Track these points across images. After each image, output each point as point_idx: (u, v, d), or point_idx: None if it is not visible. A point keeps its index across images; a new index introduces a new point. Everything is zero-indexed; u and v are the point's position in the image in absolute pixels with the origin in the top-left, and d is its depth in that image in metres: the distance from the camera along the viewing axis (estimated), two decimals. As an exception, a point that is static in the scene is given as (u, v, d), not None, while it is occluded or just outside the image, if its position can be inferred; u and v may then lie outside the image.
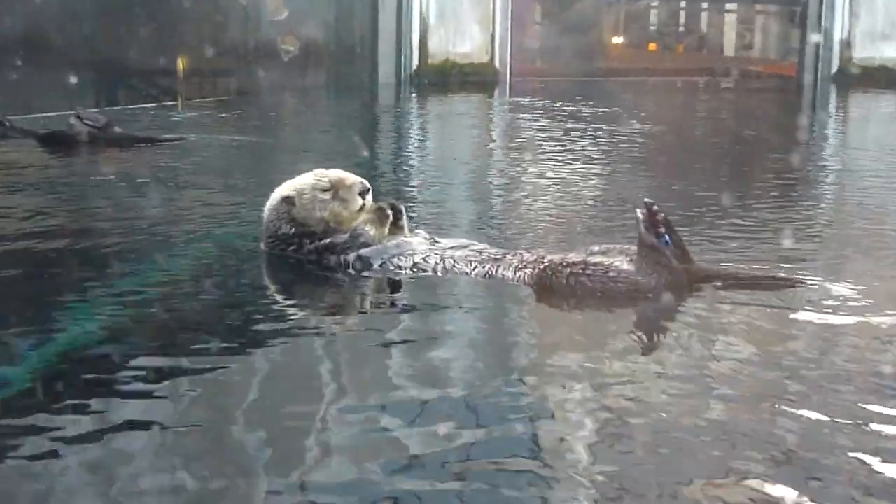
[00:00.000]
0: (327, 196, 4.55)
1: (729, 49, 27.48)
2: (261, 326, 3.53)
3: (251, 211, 5.46)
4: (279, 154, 9.13)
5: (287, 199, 4.60)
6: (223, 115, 13.59)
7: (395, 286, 4.23)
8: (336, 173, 4.62)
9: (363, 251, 4.46)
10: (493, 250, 4.39)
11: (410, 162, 8.82)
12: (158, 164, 8.29)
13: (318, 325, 3.62)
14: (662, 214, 3.89)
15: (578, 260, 4.00)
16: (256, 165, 8.22)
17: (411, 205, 5.51)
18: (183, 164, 7.87)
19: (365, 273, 4.37)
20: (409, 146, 10.39)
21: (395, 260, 4.39)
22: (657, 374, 2.90)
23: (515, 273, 4.12)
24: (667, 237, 3.84)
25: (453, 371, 2.97)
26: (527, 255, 4.27)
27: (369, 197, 4.56)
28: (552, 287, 3.96)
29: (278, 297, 4.17)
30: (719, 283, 3.89)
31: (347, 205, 4.56)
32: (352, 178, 4.59)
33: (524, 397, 2.74)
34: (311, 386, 2.89)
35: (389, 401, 2.74)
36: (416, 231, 4.63)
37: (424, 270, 4.31)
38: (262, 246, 4.71)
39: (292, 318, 3.74)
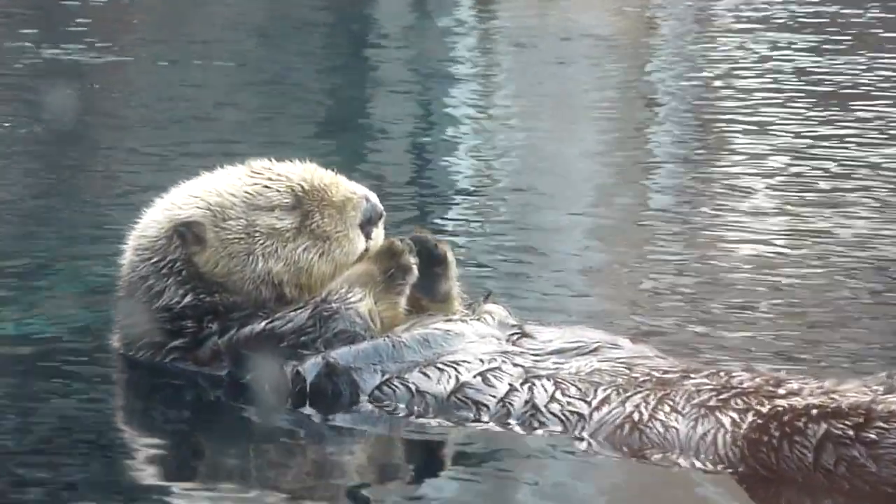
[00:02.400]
0: (286, 223, 4.61)
1: None
2: None
3: (71, 264, 5.47)
4: (131, 127, 9.18)
5: (186, 229, 4.62)
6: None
7: (408, 455, 4.24)
8: (308, 172, 4.71)
9: (337, 353, 4.37)
10: (654, 359, 4.34)
11: (460, 165, 8.57)
12: None
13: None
14: None
15: (854, 404, 3.88)
16: (76, 150, 8.30)
17: (466, 250, 5.65)
18: None
19: (339, 412, 4.34)
20: (459, 125, 9.78)
21: (412, 377, 4.31)
22: None
23: (699, 423, 4.02)
24: None
25: None
26: (737, 378, 4.15)
27: (379, 232, 4.68)
28: (780, 466, 3.87)
29: (140, 476, 4.09)
30: None
31: (332, 246, 4.63)
32: (343, 185, 4.69)
33: None
34: None
35: None
36: (482, 307, 4.61)
37: (480, 410, 4.21)
38: (114, 342, 4.75)
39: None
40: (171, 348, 4.60)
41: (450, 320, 4.49)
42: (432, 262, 4.61)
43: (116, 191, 6.66)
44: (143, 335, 4.67)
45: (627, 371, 4.25)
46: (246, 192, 4.64)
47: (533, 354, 4.36)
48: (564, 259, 6.30)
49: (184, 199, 4.69)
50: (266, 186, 4.63)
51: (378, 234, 4.64)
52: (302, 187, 4.61)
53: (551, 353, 4.37)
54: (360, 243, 4.61)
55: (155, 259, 4.64)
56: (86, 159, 8.32)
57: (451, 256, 4.67)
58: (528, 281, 5.87)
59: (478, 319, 4.50)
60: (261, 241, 4.59)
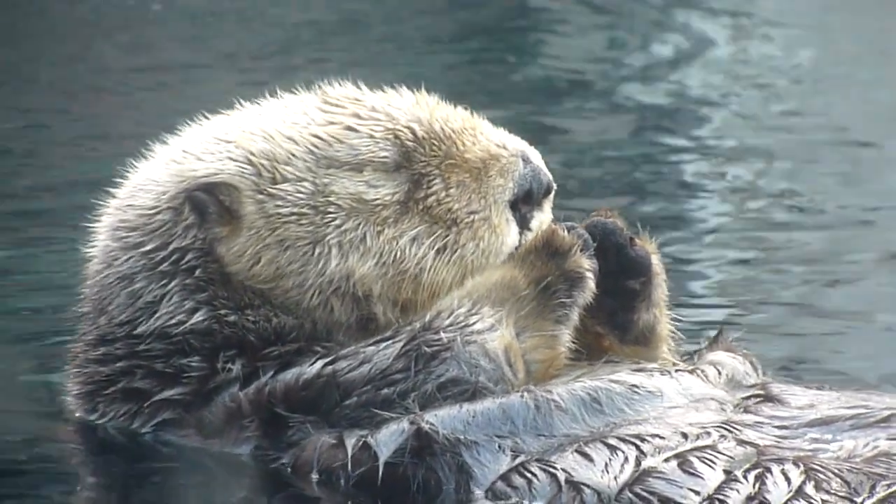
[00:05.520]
0: (383, 194, 3.77)
1: None
2: None
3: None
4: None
5: (208, 196, 3.76)
6: None
7: None
8: (425, 109, 3.82)
9: (436, 416, 3.50)
10: None
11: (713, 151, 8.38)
12: None
13: None
14: None
15: None
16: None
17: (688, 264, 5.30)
18: None
19: None
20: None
21: (564, 460, 3.44)
22: None
23: None
24: None
25: None
26: None
27: (543, 217, 3.79)
28: None
29: None
30: None
31: (461, 237, 3.76)
32: (486, 134, 3.83)
33: None
34: None
35: None
36: (706, 354, 3.77)
37: None
38: (69, 401, 3.90)
39: None
40: (160, 403, 3.62)
41: (641, 370, 3.58)
42: (625, 271, 3.69)
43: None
44: (114, 380, 3.71)
45: None
46: (315, 138, 3.70)
47: (777, 427, 3.54)
48: (859, 294, 5.53)
49: (205, 146, 3.74)
50: (350, 129, 3.68)
51: (541, 219, 3.71)
52: (412, 133, 3.69)
53: (808, 425, 3.57)
54: (510, 234, 3.65)
55: (149, 247, 3.68)
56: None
57: (658, 262, 3.75)
58: (793, 322, 5.09)
59: (690, 372, 3.60)
60: (337, 223, 3.65)
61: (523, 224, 3.68)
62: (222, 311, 3.63)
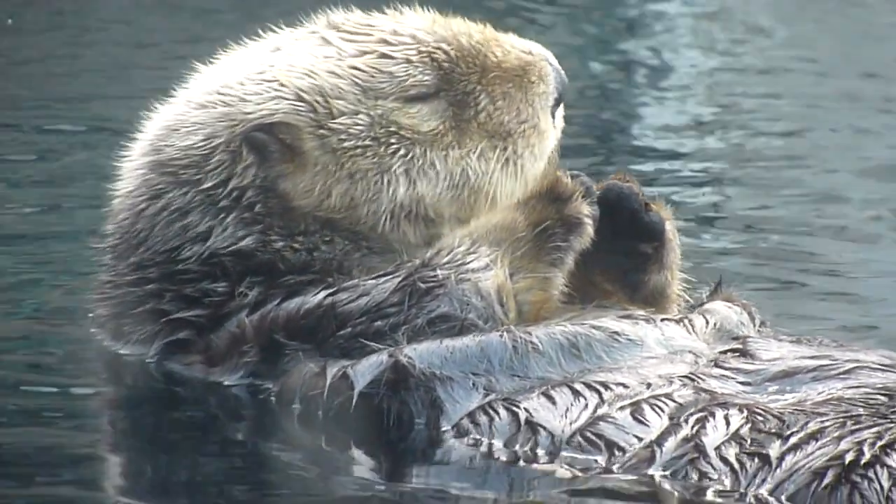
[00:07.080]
0: (434, 123, 3.76)
1: None
2: None
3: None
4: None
5: (268, 136, 3.69)
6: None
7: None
8: (445, 27, 3.79)
9: (415, 350, 3.54)
10: None
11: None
12: None
13: None
14: None
15: None
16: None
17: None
18: None
19: (400, 449, 3.45)
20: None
21: (528, 401, 3.45)
22: None
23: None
24: None
25: None
26: None
27: (560, 111, 3.85)
28: None
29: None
30: None
31: (518, 147, 3.78)
32: (509, 42, 3.82)
33: None
34: None
35: None
36: (704, 304, 3.78)
37: (613, 456, 3.40)
38: (94, 326, 3.88)
39: None
40: (178, 322, 3.60)
41: (628, 317, 3.53)
42: (639, 236, 3.67)
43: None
44: (144, 301, 3.70)
45: (885, 399, 3.40)
46: (354, 69, 3.63)
47: (742, 380, 3.46)
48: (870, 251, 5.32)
49: (250, 86, 3.68)
50: (386, 56, 3.64)
51: (560, 115, 3.78)
52: (445, 53, 3.65)
53: (771, 378, 3.46)
54: (552, 137, 3.74)
55: (208, 184, 3.65)
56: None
57: (672, 228, 3.73)
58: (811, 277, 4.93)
59: (677, 322, 3.56)
60: (402, 153, 3.65)
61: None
62: (272, 237, 3.66)
